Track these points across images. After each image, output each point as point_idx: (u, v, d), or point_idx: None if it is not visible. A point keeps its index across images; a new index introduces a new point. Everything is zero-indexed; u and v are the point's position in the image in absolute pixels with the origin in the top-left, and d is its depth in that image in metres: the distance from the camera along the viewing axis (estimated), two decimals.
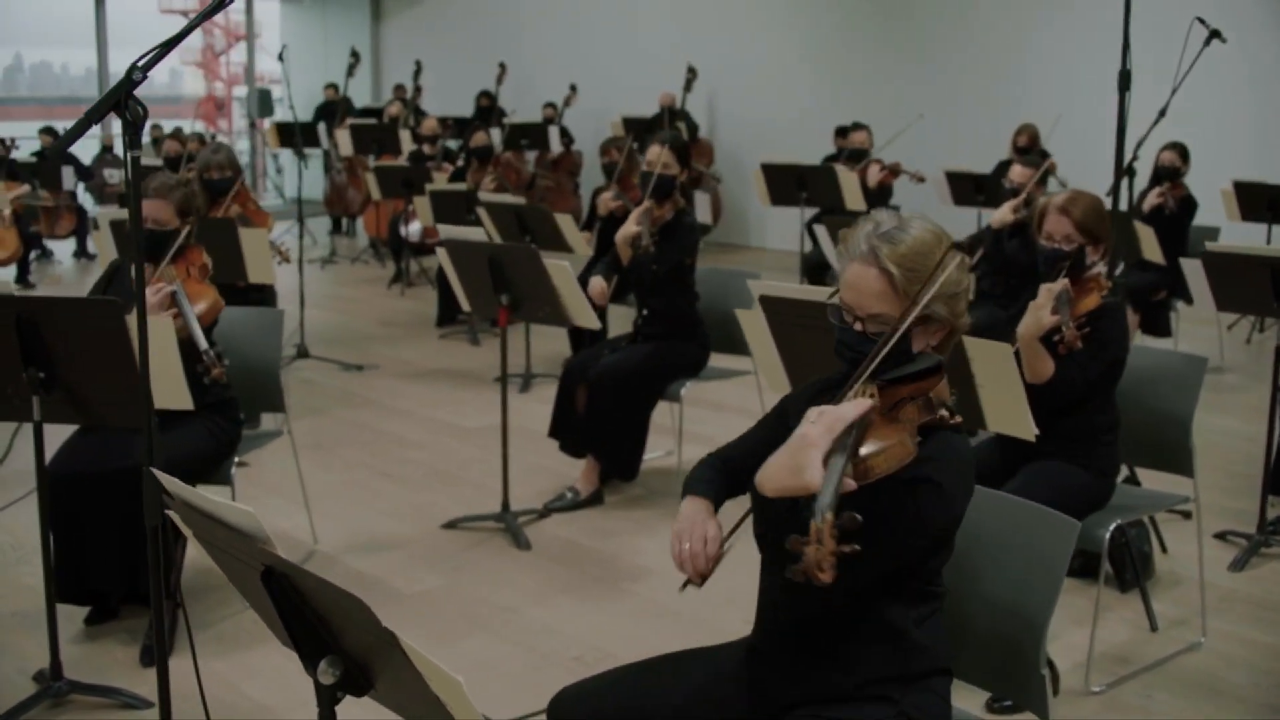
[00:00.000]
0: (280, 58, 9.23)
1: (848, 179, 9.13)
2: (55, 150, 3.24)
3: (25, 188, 11.63)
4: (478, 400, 7.36)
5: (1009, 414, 3.68)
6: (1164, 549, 4.95)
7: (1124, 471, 4.77)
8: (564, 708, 2.52)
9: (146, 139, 13.95)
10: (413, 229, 10.55)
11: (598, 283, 5.54)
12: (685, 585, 2.41)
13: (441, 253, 5.32)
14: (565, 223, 7.38)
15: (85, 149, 14.74)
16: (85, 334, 3.41)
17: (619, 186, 7.23)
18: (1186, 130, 8.03)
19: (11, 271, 11.55)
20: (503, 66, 15.58)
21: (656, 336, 5.65)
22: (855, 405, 2.09)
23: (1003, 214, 6.43)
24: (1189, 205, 8.08)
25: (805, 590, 1.98)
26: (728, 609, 4.16)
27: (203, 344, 4.02)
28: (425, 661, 1.67)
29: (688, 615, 4.44)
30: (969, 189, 9.34)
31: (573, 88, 15.14)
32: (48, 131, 13.25)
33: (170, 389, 3.77)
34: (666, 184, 5.52)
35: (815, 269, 9.43)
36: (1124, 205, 5.02)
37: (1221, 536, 5.15)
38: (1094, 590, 4.02)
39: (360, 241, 14.52)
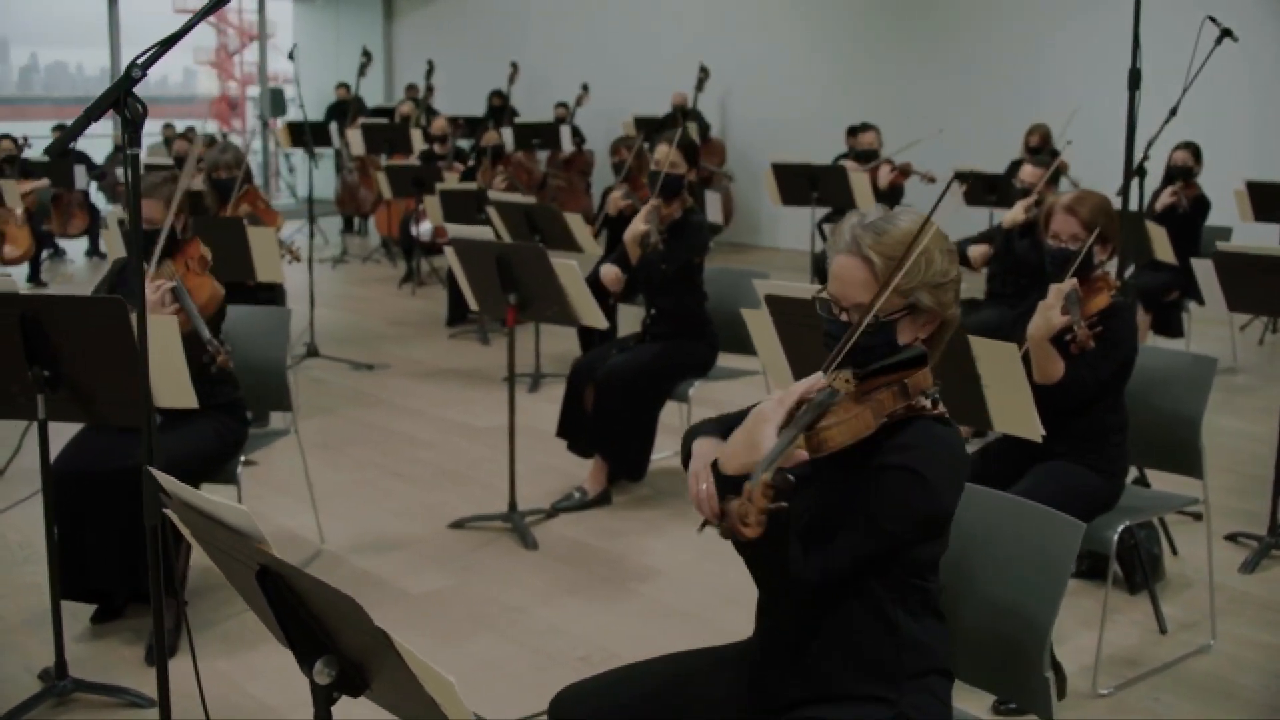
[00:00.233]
0: (290, 56, 9.24)
1: (859, 179, 9.11)
2: (55, 148, 3.24)
3: (44, 181, 11.65)
4: (487, 400, 7.35)
5: (1016, 414, 3.66)
6: (1174, 551, 4.92)
7: (1133, 473, 4.75)
8: (565, 707, 2.51)
9: (158, 139, 14.01)
10: (424, 228, 10.55)
11: (609, 269, 5.53)
12: (703, 526, 2.40)
13: (450, 252, 5.32)
14: (575, 222, 7.37)
15: (98, 147, 14.80)
16: (89, 332, 3.41)
17: (629, 186, 7.22)
18: (1195, 129, 7.99)
19: (24, 270, 11.58)
20: (515, 66, 15.59)
21: (665, 336, 5.63)
22: (807, 380, 2.17)
23: (1014, 214, 6.40)
24: (1202, 205, 8.04)
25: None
26: (734, 609, 4.15)
27: (205, 333, 4.03)
28: (418, 662, 1.66)
29: (694, 616, 4.43)
30: (981, 189, 9.31)
31: (585, 87, 15.14)
32: (61, 130, 13.27)
33: (175, 388, 3.77)
34: (674, 183, 5.51)
35: (826, 269, 9.39)
36: (1135, 205, 5.00)
37: (1232, 538, 5.12)
38: (1102, 592, 4.00)
39: (372, 241, 14.53)
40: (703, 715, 2.44)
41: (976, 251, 6.65)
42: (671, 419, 5.96)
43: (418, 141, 12.50)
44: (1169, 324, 7.94)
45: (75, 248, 13.46)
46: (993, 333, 3.96)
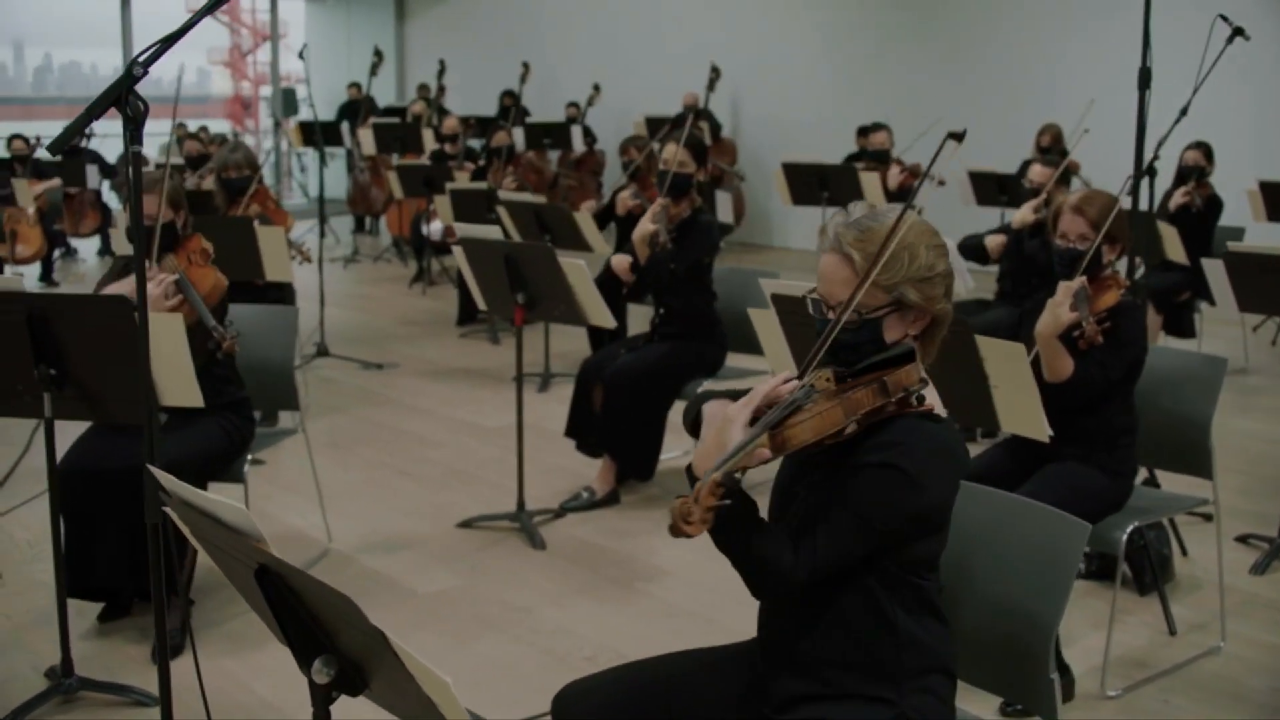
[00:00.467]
0: (301, 56, 9.24)
1: (869, 179, 9.09)
2: (56, 146, 3.22)
3: (56, 181, 11.68)
4: (497, 399, 7.35)
5: (1023, 414, 3.64)
6: (1184, 552, 4.89)
7: (1143, 474, 4.73)
8: (568, 704, 2.52)
9: (170, 138, 14.02)
10: (434, 228, 10.55)
11: (621, 258, 5.54)
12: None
13: (458, 251, 5.31)
14: (584, 221, 7.37)
15: (111, 147, 14.82)
16: (95, 331, 3.41)
17: (638, 186, 7.21)
18: (1205, 129, 7.95)
19: (36, 269, 11.61)
20: (526, 66, 15.59)
21: (674, 336, 5.63)
22: (774, 379, 2.22)
23: (1023, 214, 6.38)
24: (1215, 205, 8.01)
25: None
26: (742, 610, 4.12)
27: (210, 320, 4.04)
28: (415, 661, 1.65)
29: (702, 616, 4.42)
30: (992, 189, 9.28)
31: (596, 87, 15.14)
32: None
33: (181, 387, 3.77)
34: (683, 182, 5.51)
35: None
36: (1145, 205, 4.97)
37: (1243, 540, 5.10)
38: (1112, 593, 3.98)
39: (383, 240, 14.54)
40: (705, 714, 2.43)
41: (994, 241, 6.60)
42: (680, 419, 5.94)
43: (429, 141, 12.51)
44: (1181, 325, 7.90)
45: (87, 247, 13.50)
46: (1002, 333, 3.96)
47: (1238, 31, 4.99)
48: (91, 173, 12.15)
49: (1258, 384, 7.88)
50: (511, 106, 15.24)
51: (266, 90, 21.66)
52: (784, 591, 2.28)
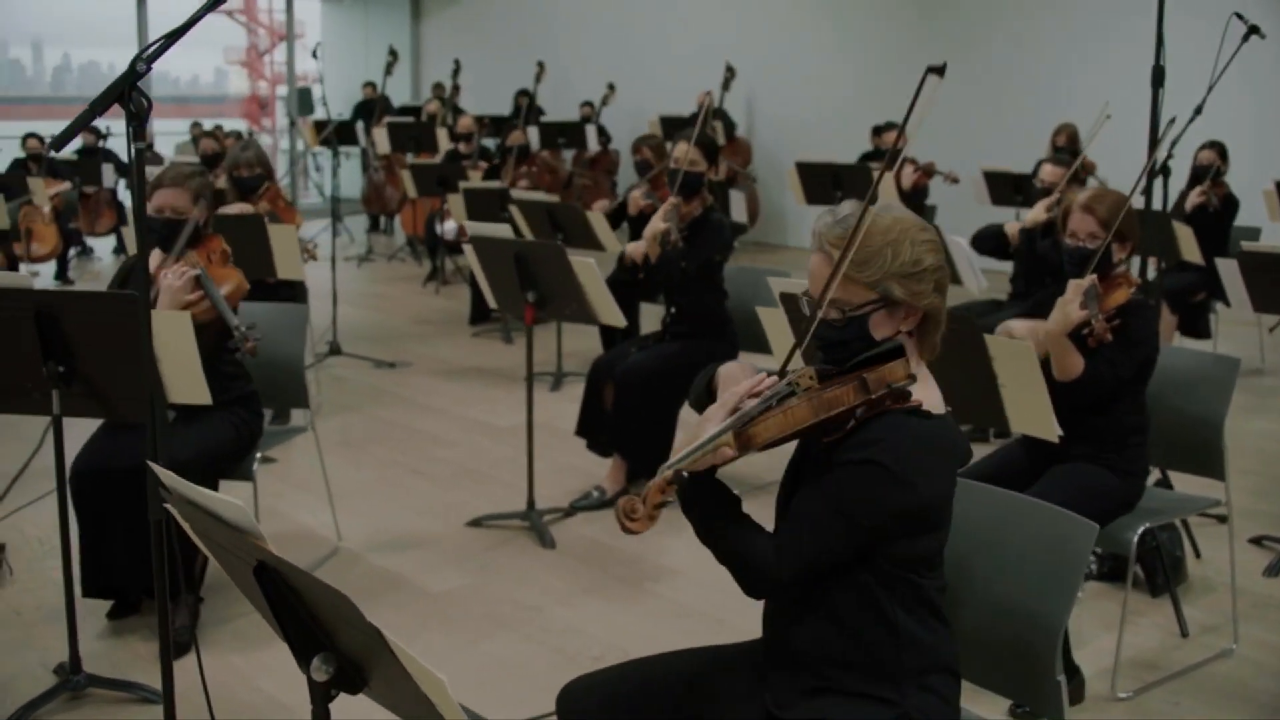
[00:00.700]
0: (314, 55, 9.26)
1: (883, 178, 9.06)
2: (57, 144, 3.21)
3: (65, 184, 11.72)
4: (509, 399, 7.34)
5: (1032, 414, 3.63)
6: (1197, 554, 4.86)
7: (1156, 474, 4.70)
8: (572, 699, 2.52)
9: (186, 138, 14.06)
10: (448, 227, 10.56)
11: (635, 245, 5.54)
12: None
13: (469, 249, 5.31)
14: (597, 220, 7.36)
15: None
16: (103, 328, 3.42)
17: (650, 185, 7.19)
18: (1219, 128, 7.90)
19: (51, 268, 11.65)
20: (541, 65, 15.57)
21: (685, 335, 5.62)
22: (750, 380, 2.26)
23: (1035, 213, 6.36)
24: (1231, 204, 7.97)
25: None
26: (750, 611, 4.10)
27: (233, 320, 4.03)
28: (411, 660, 1.64)
29: (711, 616, 4.40)
30: (1007, 188, 9.25)
31: (611, 87, 15.13)
32: (89, 129, 13.33)
33: (188, 384, 3.77)
34: (694, 181, 5.50)
35: None
36: (1158, 204, 4.94)
37: (1257, 541, 5.06)
38: (1123, 594, 3.95)
39: (397, 239, 14.56)
40: (708, 711, 2.43)
41: (1014, 228, 6.57)
42: (690, 418, 5.93)
43: (443, 140, 12.51)
44: (1196, 325, 7.86)
45: (103, 246, 13.54)
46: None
47: (1253, 30, 4.96)
48: (107, 172, 12.20)
49: (1274, 385, 7.84)
50: (526, 106, 15.24)
51: (283, 90, 21.70)
52: (770, 589, 2.27)
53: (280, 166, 18.24)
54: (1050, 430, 3.61)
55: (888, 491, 2.17)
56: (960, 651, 2.40)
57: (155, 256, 4.17)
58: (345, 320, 8.80)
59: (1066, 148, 9.40)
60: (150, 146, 14.07)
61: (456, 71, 15.95)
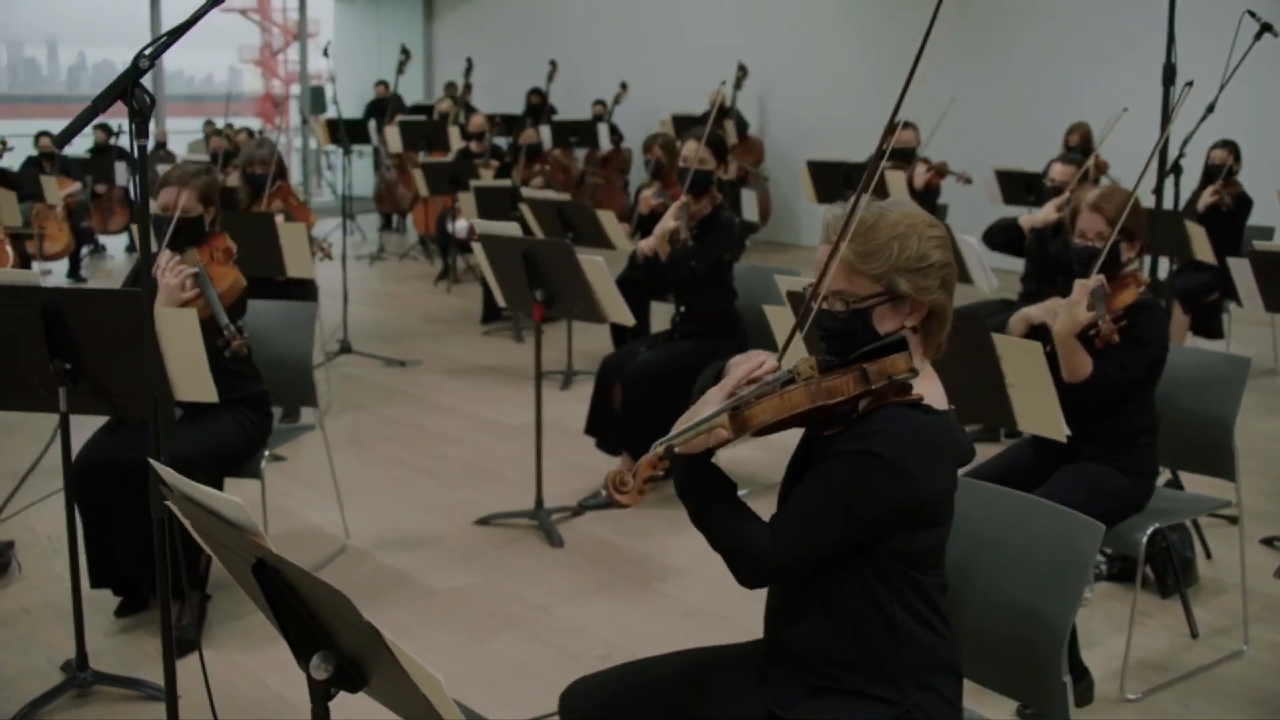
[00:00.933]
0: (325, 53, 9.27)
1: (894, 178, 9.03)
2: (59, 141, 3.21)
3: (76, 185, 11.76)
4: (519, 397, 7.34)
5: (1040, 414, 3.61)
6: (1208, 555, 4.84)
7: (1166, 475, 4.67)
8: (574, 700, 2.51)
9: (198, 136, 14.09)
10: (460, 225, 10.57)
11: (646, 241, 5.52)
12: None
13: (478, 247, 5.31)
14: (607, 219, 7.35)
15: None
16: (109, 325, 3.42)
17: (661, 184, 7.18)
18: (1232, 127, 7.86)
19: (64, 266, 11.69)
20: (553, 64, 15.59)
21: (694, 334, 5.61)
22: (750, 363, 2.26)
23: (1045, 212, 6.34)
24: (1244, 203, 7.93)
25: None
26: (757, 610, 4.10)
27: (223, 319, 4.05)
28: (407, 658, 1.64)
29: (718, 615, 4.39)
30: (1019, 187, 9.22)
31: (623, 85, 15.13)
32: (102, 128, 13.38)
33: (195, 382, 3.77)
34: (703, 179, 5.49)
35: None
36: (1169, 203, 4.92)
37: (1268, 542, 5.03)
38: (1133, 595, 3.93)
39: (409, 238, 14.58)
40: (711, 711, 2.42)
41: (1027, 220, 6.55)
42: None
43: (455, 139, 12.52)
44: (1209, 325, 7.82)
45: (116, 244, 13.58)
46: (1023, 332, 3.93)
47: (1266, 27, 4.94)
48: (119, 170, 12.23)
49: None
50: (538, 104, 15.24)
51: (297, 89, 21.74)
52: (763, 577, 2.27)
53: (294, 165, 18.27)
54: (1058, 430, 3.59)
55: (885, 483, 2.16)
56: (964, 652, 2.39)
57: (165, 255, 4.18)
58: (356, 318, 8.81)
59: (1079, 147, 9.37)
60: (163, 145, 14.12)
61: (468, 70, 15.96)
